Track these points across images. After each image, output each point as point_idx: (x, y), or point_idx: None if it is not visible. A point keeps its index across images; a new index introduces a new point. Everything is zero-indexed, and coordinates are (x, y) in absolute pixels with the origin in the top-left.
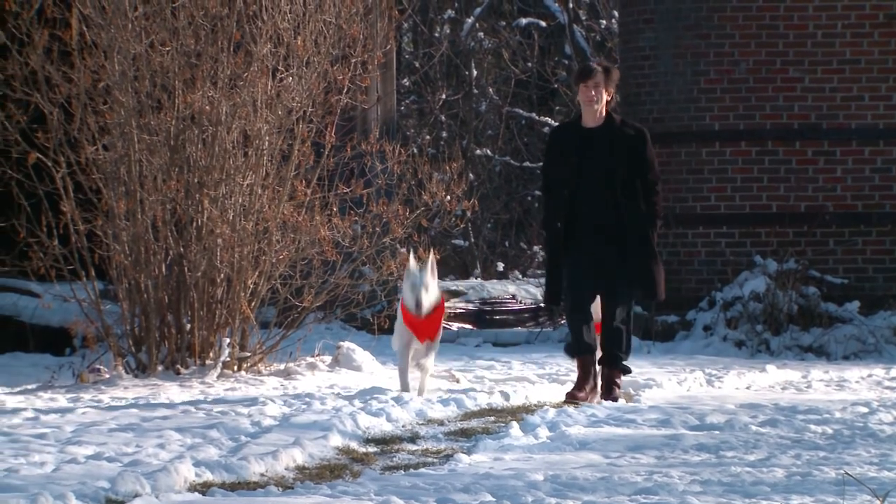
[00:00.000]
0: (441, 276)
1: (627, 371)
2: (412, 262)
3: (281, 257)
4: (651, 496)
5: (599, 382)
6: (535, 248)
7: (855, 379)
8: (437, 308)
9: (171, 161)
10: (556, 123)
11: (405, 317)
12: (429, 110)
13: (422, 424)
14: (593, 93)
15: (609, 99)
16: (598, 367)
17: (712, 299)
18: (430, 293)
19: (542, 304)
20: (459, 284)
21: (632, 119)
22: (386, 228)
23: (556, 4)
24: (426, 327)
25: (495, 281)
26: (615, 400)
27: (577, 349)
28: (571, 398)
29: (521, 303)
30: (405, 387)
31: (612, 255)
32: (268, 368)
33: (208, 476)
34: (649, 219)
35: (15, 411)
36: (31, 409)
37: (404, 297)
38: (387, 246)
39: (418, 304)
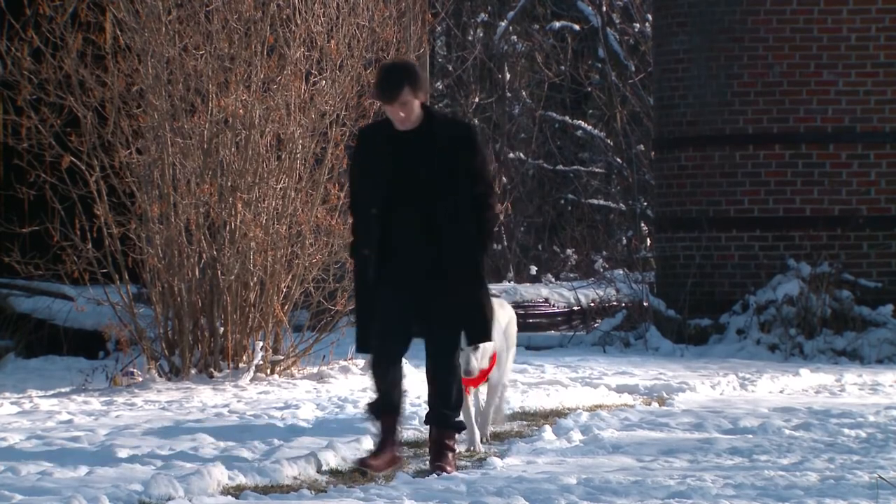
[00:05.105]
0: None
1: (461, 428)
2: None
3: (314, 261)
4: (684, 500)
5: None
6: (568, 251)
7: (888, 382)
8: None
9: (204, 165)
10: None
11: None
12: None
13: None
14: (402, 114)
15: (424, 100)
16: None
17: (745, 303)
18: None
19: (575, 308)
20: (492, 288)
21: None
22: None
23: (590, 8)
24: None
25: (528, 284)
26: (447, 467)
27: (382, 407)
28: (363, 465)
29: (553, 306)
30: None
31: (433, 293)
32: (301, 372)
33: (241, 479)
34: (479, 243)
35: (49, 414)
36: (65, 412)
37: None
38: None
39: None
